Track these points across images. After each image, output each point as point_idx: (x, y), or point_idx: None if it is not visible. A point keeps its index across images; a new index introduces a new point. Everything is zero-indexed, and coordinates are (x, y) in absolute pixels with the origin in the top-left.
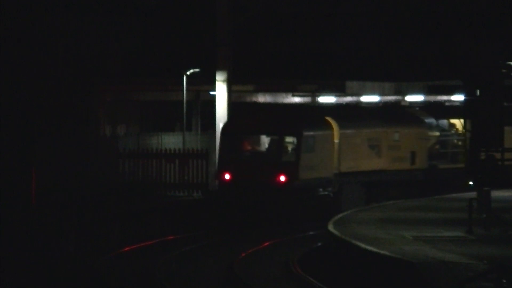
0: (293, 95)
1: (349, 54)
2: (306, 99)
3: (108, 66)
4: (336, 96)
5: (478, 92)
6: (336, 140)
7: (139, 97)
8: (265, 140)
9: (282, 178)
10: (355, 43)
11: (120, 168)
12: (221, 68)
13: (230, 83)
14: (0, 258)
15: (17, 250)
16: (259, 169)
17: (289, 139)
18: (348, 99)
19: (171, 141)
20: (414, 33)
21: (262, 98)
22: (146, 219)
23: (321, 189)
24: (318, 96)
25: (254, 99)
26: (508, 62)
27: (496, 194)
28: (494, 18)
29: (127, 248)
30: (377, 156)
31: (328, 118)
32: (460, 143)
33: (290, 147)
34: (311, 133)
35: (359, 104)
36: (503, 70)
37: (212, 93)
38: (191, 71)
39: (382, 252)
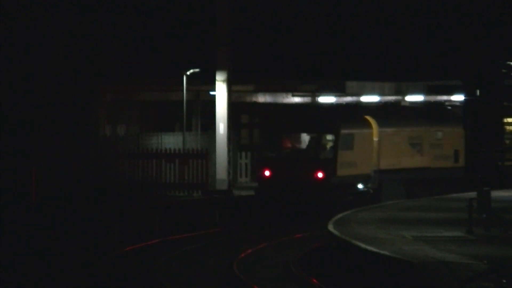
0: (293, 95)
1: (349, 54)
2: (307, 99)
3: (108, 66)
4: (336, 96)
5: (478, 92)
6: (375, 138)
7: (139, 97)
8: (304, 138)
9: (320, 175)
10: (355, 43)
11: (120, 168)
12: (221, 68)
13: (230, 83)
14: (0, 258)
15: (17, 250)
16: (298, 166)
17: (327, 137)
18: (348, 99)
19: (171, 141)
20: (414, 33)
21: (262, 98)
22: (146, 219)
23: (361, 186)
24: (318, 96)
25: (254, 99)
26: (508, 62)
27: (496, 194)
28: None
29: (127, 248)
30: (418, 154)
31: (368, 117)
32: (508, 141)
33: (328, 145)
34: (349, 131)
35: (401, 103)
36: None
37: (212, 93)
38: (191, 71)
39: (382, 252)
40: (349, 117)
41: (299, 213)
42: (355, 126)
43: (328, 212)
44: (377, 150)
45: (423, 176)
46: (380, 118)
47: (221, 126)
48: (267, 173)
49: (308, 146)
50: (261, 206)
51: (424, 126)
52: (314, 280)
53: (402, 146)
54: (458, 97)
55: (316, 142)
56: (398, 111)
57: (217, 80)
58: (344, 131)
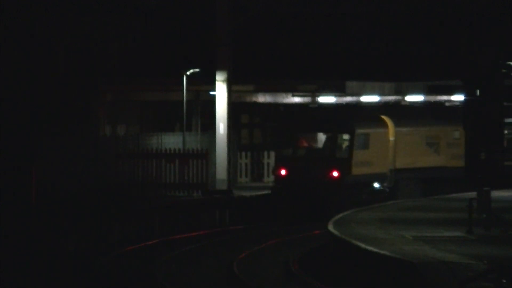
0: (293, 95)
1: (349, 54)
2: (307, 99)
3: (108, 66)
4: (336, 96)
5: (478, 92)
6: (391, 138)
7: (139, 97)
8: (320, 138)
9: (335, 174)
10: (355, 43)
11: (120, 168)
12: (221, 68)
13: (230, 83)
14: (0, 258)
15: (17, 250)
16: (314, 165)
17: (342, 136)
18: (348, 99)
19: (171, 141)
20: (414, 33)
21: (262, 98)
22: (146, 219)
23: (377, 185)
24: (318, 96)
25: (254, 99)
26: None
27: (496, 194)
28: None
29: (127, 248)
30: (435, 154)
31: (384, 117)
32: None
33: (343, 144)
34: (364, 130)
35: (417, 103)
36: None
37: (212, 93)
38: (191, 71)
39: (382, 252)
40: (365, 117)
41: (314, 211)
42: (370, 125)
43: (343, 211)
44: (393, 149)
45: (439, 175)
46: (397, 118)
47: (221, 126)
48: (283, 172)
49: (323, 145)
50: (276, 204)
51: (441, 126)
52: (314, 280)
53: (418, 146)
54: (458, 97)
55: (332, 141)
56: (415, 111)
57: (217, 80)
58: (359, 131)
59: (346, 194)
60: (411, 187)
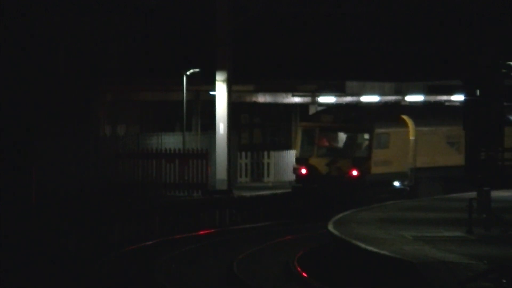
0: (293, 95)
1: (349, 54)
2: (307, 99)
3: (108, 66)
4: (336, 96)
5: (478, 92)
6: (412, 137)
7: (139, 97)
8: (340, 137)
9: (355, 173)
10: (355, 43)
11: (120, 168)
12: (221, 68)
13: (230, 83)
14: (0, 258)
15: (17, 250)
16: (334, 164)
17: (362, 136)
18: (348, 99)
19: (171, 141)
20: (414, 33)
21: (262, 98)
22: (146, 219)
23: (397, 183)
24: (318, 96)
25: (254, 99)
26: (508, 62)
27: (496, 194)
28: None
29: (127, 248)
30: (457, 153)
31: (404, 116)
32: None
33: (363, 144)
34: (384, 130)
35: (439, 103)
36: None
37: (212, 93)
38: (191, 71)
39: (382, 252)
40: (385, 117)
41: (333, 210)
42: (390, 125)
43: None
44: (413, 148)
45: (460, 174)
46: (417, 118)
47: (221, 126)
48: (303, 171)
49: (343, 144)
50: (297, 203)
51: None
52: (314, 280)
53: (439, 145)
54: (458, 97)
55: (351, 141)
56: (435, 111)
57: (217, 80)
58: (378, 130)
59: (366, 192)
60: (431, 186)
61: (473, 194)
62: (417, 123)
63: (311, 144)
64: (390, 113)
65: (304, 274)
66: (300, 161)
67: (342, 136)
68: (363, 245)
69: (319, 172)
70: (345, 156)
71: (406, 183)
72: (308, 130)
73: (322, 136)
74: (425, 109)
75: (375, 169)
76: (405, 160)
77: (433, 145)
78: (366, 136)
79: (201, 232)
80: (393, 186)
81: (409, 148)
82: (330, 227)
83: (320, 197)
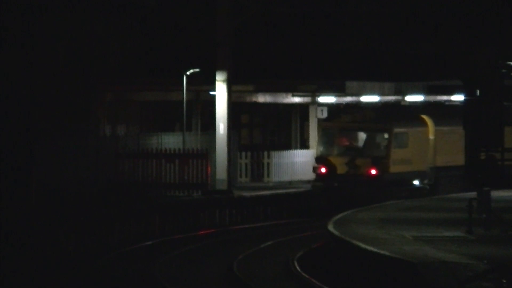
0: (293, 95)
1: (349, 54)
2: (307, 99)
3: (108, 66)
4: (336, 96)
5: (478, 92)
6: (431, 136)
7: (139, 97)
8: (359, 136)
9: (373, 171)
10: (355, 43)
11: (120, 168)
12: (221, 68)
13: (230, 83)
14: (0, 258)
15: (17, 250)
16: (353, 163)
17: (381, 135)
18: (348, 99)
19: (171, 141)
20: (414, 33)
21: (262, 98)
22: (146, 219)
23: (417, 182)
24: (318, 96)
25: (254, 99)
26: (508, 62)
27: (496, 194)
28: (494, 18)
29: (127, 248)
30: None
31: (424, 116)
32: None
33: (382, 143)
34: (403, 129)
35: (457, 103)
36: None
37: (212, 93)
38: (191, 71)
39: (382, 252)
40: (404, 116)
41: (352, 207)
42: (409, 124)
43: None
44: (433, 147)
45: None
46: (437, 117)
47: (221, 126)
48: (323, 170)
49: (362, 144)
50: (316, 200)
51: None
52: (314, 280)
53: (458, 144)
54: (458, 97)
55: (370, 140)
56: (455, 110)
57: (217, 80)
58: (397, 130)
59: (385, 191)
60: (451, 184)
61: (473, 194)
62: (436, 123)
63: (331, 143)
64: (410, 113)
65: (304, 274)
66: (320, 160)
67: (362, 136)
68: (363, 245)
69: (339, 170)
70: (364, 155)
71: (426, 181)
72: (328, 129)
73: (341, 135)
74: (445, 109)
75: (394, 168)
76: (425, 159)
77: (452, 144)
78: (385, 135)
79: (201, 232)
80: (413, 184)
81: (429, 147)
82: (330, 227)
83: (339, 195)
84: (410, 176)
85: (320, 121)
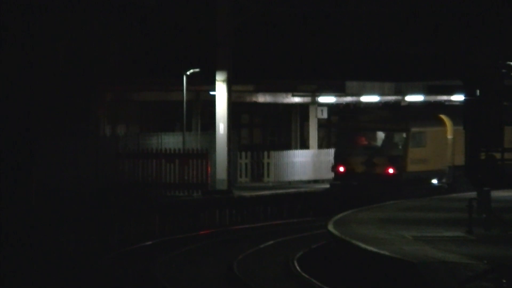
0: (293, 95)
1: (349, 54)
2: (307, 99)
3: (108, 66)
4: (336, 96)
5: (478, 92)
6: (449, 136)
7: (139, 97)
8: (377, 136)
9: (391, 170)
10: (355, 43)
11: (120, 168)
12: (221, 68)
13: (230, 83)
14: (0, 258)
15: (17, 250)
16: (371, 162)
17: (399, 134)
18: (348, 99)
19: (171, 141)
20: (414, 33)
21: (262, 98)
22: (146, 219)
23: (435, 181)
24: (318, 96)
25: (254, 99)
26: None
27: (496, 194)
28: (494, 18)
29: (127, 248)
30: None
31: (442, 116)
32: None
33: (400, 142)
34: (421, 129)
35: None
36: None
37: (212, 93)
38: (191, 71)
39: (382, 252)
40: (422, 116)
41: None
42: (427, 124)
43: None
44: (451, 147)
45: None
46: (455, 117)
47: (221, 126)
48: (341, 169)
49: (380, 143)
50: (335, 199)
51: None
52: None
53: None
54: (458, 97)
55: (388, 139)
56: None
57: (217, 80)
58: (414, 129)
59: (403, 190)
60: (469, 183)
61: (473, 194)
62: (455, 122)
63: (349, 142)
64: (428, 113)
65: (304, 274)
66: (339, 159)
67: (380, 135)
68: (363, 245)
69: (357, 170)
70: (382, 154)
71: (444, 180)
72: (346, 129)
73: (360, 135)
74: None
75: (412, 167)
76: (443, 158)
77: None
78: (403, 135)
79: (201, 232)
80: (431, 183)
81: (447, 147)
82: (330, 227)
83: (358, 193)
84: (428, 175)
85: (339, 121)
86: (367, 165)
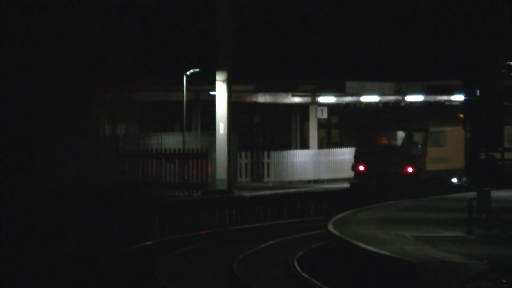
0: (293, 95)
1: (349, 54)
2: (307, 99)
3: (108, 66)
4: (336, 96)
5: (478, 92)
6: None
7: (139, 97)
8: (396, 136)
9: (410, 169)
10: (355, 43)
11: (120, 168)
12: (221, 68)
13: (230, 83)
14: (0, 258)
15: (17, 250)
16: (390, 161)
17: (418, 134)
18: (348, 99)
19: (171, 141)
20: (414, 33)
21: (262, 98)
22: (146, 219)
23: (455, 180)
24: (318, 96)
25: (254, 99)
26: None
27: (496, 194)
28: (494, 18)
29: (127, 248)
30: None
31: (461, 115)
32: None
33: (419, 142)
34: (440, 128)
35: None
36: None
37: (212, 93)
38: (191, 71)
39: (382, 252)
40: (441, 116)
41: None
42: (446, 124)
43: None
44: None
45: None
46: None
47: (221, 126)
48: (361, 168)
49: (399, 142)
50: (355, 197)
51: None
52: (314, 280)
53: None
54: (458, 97)
55: (407, 139)
56: None
57: (217, 80)
58: (433, 129)
59: (423, 188)
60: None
61: (473, 194)
62: None
63: (369, 142)
64: (447, 112)
65: (304, 274)
66: (358, 158)
67: (399, 134)
68: (363, 245)
69: (376, 169)
70: (401, 153)
71: (464, 179)
72: (366, 128)
73: (379, 134)
74: None
75: (431, 166)
76: (463, 157)
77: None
78: (422, 134)
79: (201, 232)
80: (451, 182)
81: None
82: (330, 227)
83: (377, 192)
84: (447, 174)
85: (358, 120)
86: (386, 164)
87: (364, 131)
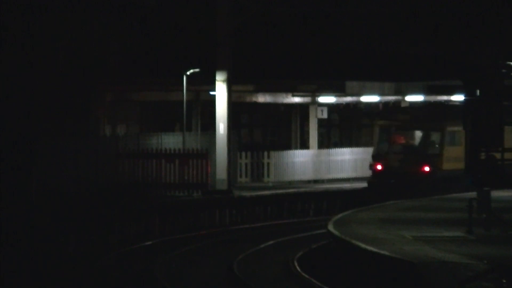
0: (293, 95)
1: (349, 54)
2: (307, 99)
3: (108, 66)
4: (336, 96)
5: (478, 92)
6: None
7: (139, 97)
8: (413, 135)
9: (427, 169)
10: (355, 43)
11: (120, 168)
12: (221, 68)
13: (230, 83)
14: (0, 258)
15: (17, 250)
16: (407, 161)
17: (435, 133)
18: (348, 99)
19: (171, 141)
20: (414, 33)
21: (262, 98)
22: (146, 219)
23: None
24: (318, 96)
25: (254, 99)
26: (508, 62)
27: (496, 194)
28: (494, 18)
29: (127, 248)
30: None
31: None
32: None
33: (435, 141)
34: (456, 128)
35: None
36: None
37: (212, 93)
38: (191, 71)
39: (382, 252)
40: (458, 116)
41: None
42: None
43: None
44: None
45: None
46: None
47: (221, 126)
48: (379, 167)
49: (416, 142)
50: (372, 196)
51: None
52: (314, 280)
53: None
54: (458, 97)
55: (424, 138)
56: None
57: (217, 80)
58: (450, 128)
59: (439, 187)
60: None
61: (473, 194)
62: None
63: (386, 141)
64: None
65: (304, 274)
66: (376, 157)
67: (417, 134)
68: (363, 245)
69: (394, 168)
70: (418, 153)
71: None
72: (384, 128)
73: (397, 134)
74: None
75: (447, 165)
76: None
77: (507, 142)
78: (438, 134)
79: (201, 232)
80: (468, 181)
81: None
82: (330, 227)
83: (395, 191)
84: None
85: (377, 120)
86: (403, 163)
87: (382, 130)
